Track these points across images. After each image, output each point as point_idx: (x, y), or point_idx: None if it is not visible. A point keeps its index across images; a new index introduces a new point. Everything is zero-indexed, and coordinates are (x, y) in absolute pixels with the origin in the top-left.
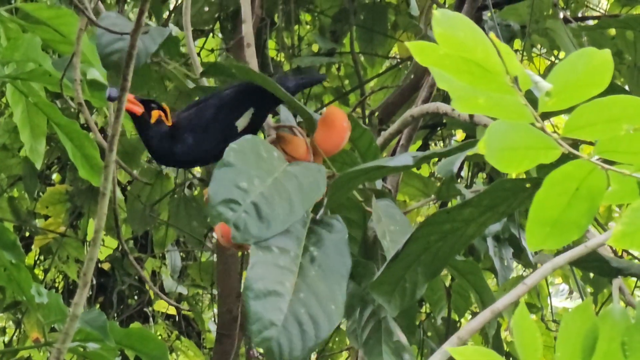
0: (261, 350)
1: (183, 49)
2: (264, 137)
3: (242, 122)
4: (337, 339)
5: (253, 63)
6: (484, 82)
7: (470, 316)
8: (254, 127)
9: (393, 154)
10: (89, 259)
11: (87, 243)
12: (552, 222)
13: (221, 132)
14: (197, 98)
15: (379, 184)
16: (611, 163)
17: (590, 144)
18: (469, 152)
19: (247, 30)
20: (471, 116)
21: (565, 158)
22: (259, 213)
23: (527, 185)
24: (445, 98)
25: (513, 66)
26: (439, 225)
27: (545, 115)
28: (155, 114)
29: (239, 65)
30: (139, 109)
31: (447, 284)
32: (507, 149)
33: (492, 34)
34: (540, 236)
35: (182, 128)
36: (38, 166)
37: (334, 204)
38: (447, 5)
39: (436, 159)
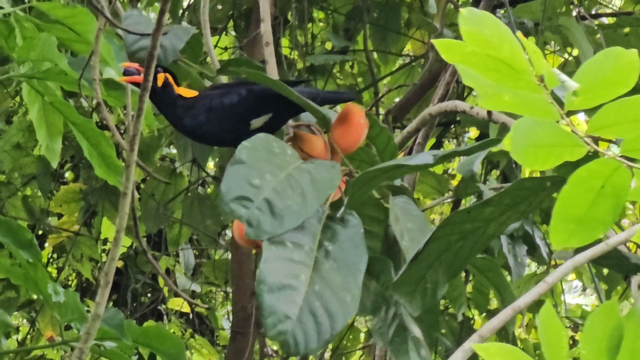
0: (275, 348)
1: None
2: (284, 135)
3: (256, 123)
4: (351, 336)
5: (271, 62)
6: (511, 79)
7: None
8: (268, 129)
9: (409, 152)
10: (111, 258)
11: (101, 241)
12: (577, 220)
13: (233, 124)
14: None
15: (397, 181)
16: (633, 161)
17: (609, 141)
18: (495, 149)
19: (266, 29)
20: (489, 114)
21: (586, 156)
22: (271, 209)
23: (547, 183)
24: (461, 96)
25: (540, 64)
26: (460, 224)
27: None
28: (160, 76)
29: (251, 70)
30: (139, 77)
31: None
32: (533, 146)
33: (519, 33)
34: (565, 234)
35: (199, 105)
36: (54, 165)
37: (355, 203)
38: (461, 4)
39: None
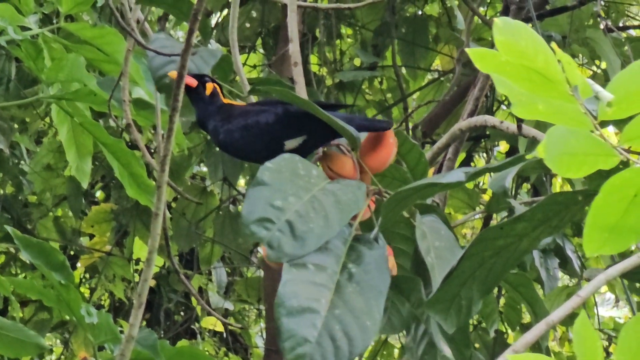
0: None
1: None
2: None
3: (290, 144)
4: (385, 352)
5: (300, 82)
6: (544, 89)
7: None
8: (302, 151)
9: (440, 167)
10: (144, 279)
11: (133, 261)
12: (610, 228)
13: (267, 143)
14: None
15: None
16: None
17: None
18: (528, 156)
19: (295, 48)
20: (519, 128)
21: (618, 166)
22: (293, 231)
23: (579, 197)
24: (490, 110)
25: (574, 75)
26: (493, 241)
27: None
28: (209, 86)
29: (281, 89)
30: (193, 82)
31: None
32: (566, 154)
33: (553, 44)
34: (598, 242)
35: (236, 120)
36: (84, 185)
37: (387, 224)
38: (489, 17)
39: None
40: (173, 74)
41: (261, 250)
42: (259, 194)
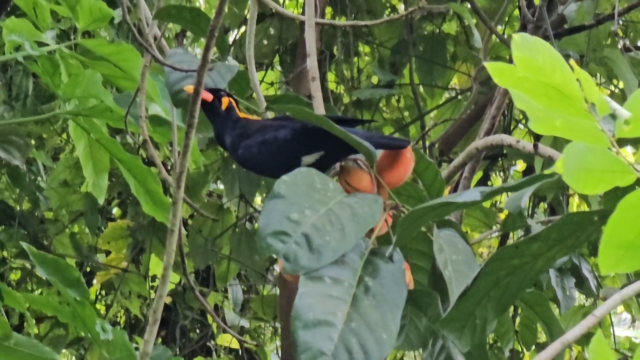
0: None
1: None
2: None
3: (307, 159)
4: None
5: (318, 97)
6: (562, 106)
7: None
8: (319, 167)
9: (456, 186)
10: (159, 296)
11: (149, 278)
12: (626, 246)
13: (285, 159)
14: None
15: None
16: None
17: None
18: (547, 171)
19: (312, 64)
20: (536, 148)
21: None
22: (309, 244)
23: (595, 217)
24: (507, 129)
25: (591, 92)
26: (508, 260)
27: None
28: (225, 100)
29: (295, 107)
30: (208, 96)
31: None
32: (584, 171)
33: (572, 61)
34: (614, 260)
35: (254, 136)
36: (101, 201)
37: (404, 242)
38: (506, 36)
39: None
40: (189, 88)
41: (277, 268)
42: (275, 207)
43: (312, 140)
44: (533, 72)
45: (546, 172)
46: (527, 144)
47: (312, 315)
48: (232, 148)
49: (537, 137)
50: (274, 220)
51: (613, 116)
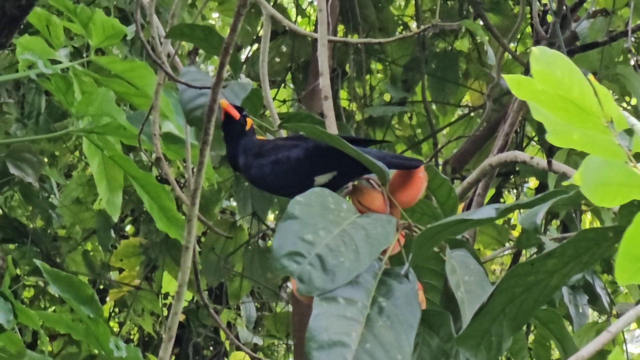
0: None
1: None
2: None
3: (320, 179)
4: None
5: (330, 116)
6: (579, 120)
7: None
8: (332, 187)
9: (469, 203)
10: (174, 313)
11: (162, 296)
12: None
13: (298, 179)
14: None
15: None
16: None
17: None
18: (565, 183)
19: (325, 82)
20: (550, 164)
21: None
22: (323, 265)
23: (610, 234)
24: (520, 146)
25: (609, 107)
26: (523, 277)
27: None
28: (249, 121)
29: (308, 125)
30: (236, 114)
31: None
32: (602, 184)
33: (590, 75)
34: (630, 272)
35: (267, 155)
36: (115, 219)
37: (418, 260)
38: (518, 53)
39: None
40: (224, 102)
41: (290, 285)
42: (289, 228)
43: (325, 160)
44: (551, 85)
45: (564, 184)
46: (541, 161)
47: (326, 336)
48: (246, 167)
49: (550, 154)
50: (288, 241)
51: (630, 131)
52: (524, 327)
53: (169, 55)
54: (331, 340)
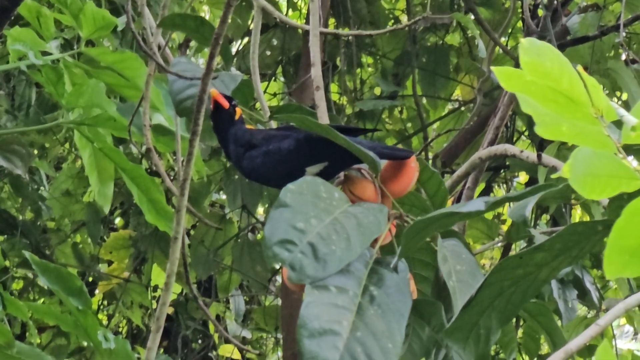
0: None
1: None
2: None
3: (311, 170)
4: None
5: (322, 106)
6: (569, 111)
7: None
8: (323, 177)
9: (459, 196)
10: (162, 303)
11: (151, 288)
12: (631, 251)
13: (289, 170)
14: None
15: None
16: None
17: None
18: (554, 175)
19: (317, 73)
20: (539, 157)
21: None
22: (315, 253)
23: (599, 227)
24: (510, 140)
25: (599, 98)
26: (512, 270)
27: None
28: (238, 111)
29: (297, 116)
30: (225, 103)
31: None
32: (591, 176)
33: (579, 67)
34: (619, 265)
35: (258, 146)
36: (106, 210)
37: (408, 252)
38: (509, 47)
39: None
40: (214, 91)
41: (279, 279)
42: (281, 216)
43: (316, 151)
44: (541, 76)
45: (553, 176)
46: (531, 154)
47: (317, 324)
48: (237, 159)
49: (540, 148)
50: (280, 229)
51: (619, 123)
52: (513, 321)
53: (159, 47)
54: (322, 328)
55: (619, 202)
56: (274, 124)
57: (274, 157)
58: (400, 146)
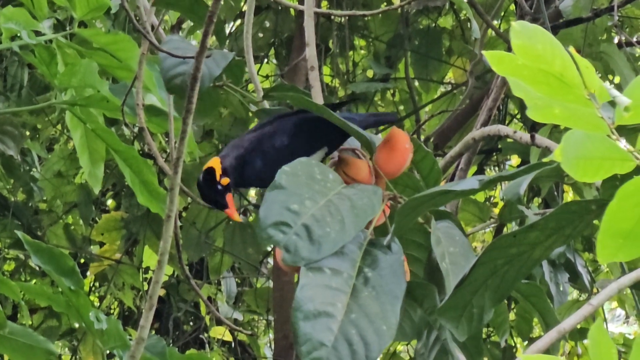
0: None
1: None
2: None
3: (315, 158)
4: None
5: (316, 87)
6: (561, 93)
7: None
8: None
9: (452, 178)
10: (155, 281)
11: (142, 270)
12: (624, 234)
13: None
14: (255, 122)
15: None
16: None
17: None
18: (546, 159)
19: (311, 53)
20: (532, 138)
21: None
22: (310, 235)
23: (593, 207)
24: (503, 122)
25: (591, 80)
26: (506, 249)
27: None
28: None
29: (294, 95)
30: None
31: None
32: (583, 158)
33: (571, 48)
34: (612, 248)
35: (252, 151)
36: (96, 191)
37: (401, 231)
38: (502, 30)
39: None
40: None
41: (271, 261)
42: (275, 198)
43: (314, 139)
44: (532, 59)
45: (545, 160)
46: (524, 135)
47: (312, 307)
48: (239, 175)
49: (532, 131)
50: (274, 211)
51: (612, 104)
52: (506, 302)
53: (153, 27)
54: (317, 310)
55: (612, 183)
56: (266, 104)
57: (271, 157)
58: (393, 127)
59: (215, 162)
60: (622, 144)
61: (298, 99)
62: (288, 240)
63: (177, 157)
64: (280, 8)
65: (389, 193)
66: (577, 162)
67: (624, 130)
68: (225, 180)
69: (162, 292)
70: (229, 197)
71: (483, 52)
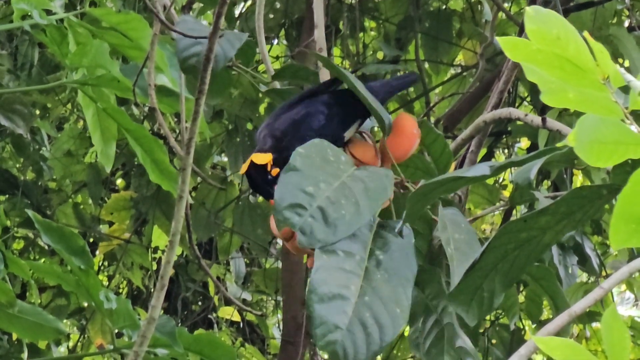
0: (326, 356)
1: None
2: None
3: (348, 134)
4: (402, 346)
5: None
6: (576, 78)
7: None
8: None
9: (462, 160)
10: (166, 261)
11: (152, 250)
12: (638, 219)
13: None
14: (265, 102)
15: None
16: None
17: None
18: (559, 144)
19: (320, 35)
20: (544, 121)
21: None
22: (325, 217)
23: (604, 191)
24: (513, 105)
25: (606, 64)
26: (516, 233)
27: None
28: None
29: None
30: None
31: None
32: (597, 142)
33: (585, 32)
34: (625, 234)
35: (291, 137)
36: (108, 170)
37: (413, 218)
38: (513, 13)
39: None
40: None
41: (280, 241)
42: (290, 180)
43: (349, 113)
44: (547, 44)
45: (558, 145)
46: (535, 118)
47: (327, 289)
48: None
49: (542, 114)
50: (289, 193)
51: (626, 89)
52: (516, 285)
53: (164, 8)
54: (331, 293)
55: (623, 168)
56: (277, 84)
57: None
58: (402, 111)
59: (264, 157)
60: (636, 128)
61: (330, 64)
62: (304, 222)
63: (189, 138)
64: None
65: (395, 177)
66: (590, 147)
67: (637, 115)
68: (276, 171)
69: (171, 272)
70: None
71: (497, 38)
